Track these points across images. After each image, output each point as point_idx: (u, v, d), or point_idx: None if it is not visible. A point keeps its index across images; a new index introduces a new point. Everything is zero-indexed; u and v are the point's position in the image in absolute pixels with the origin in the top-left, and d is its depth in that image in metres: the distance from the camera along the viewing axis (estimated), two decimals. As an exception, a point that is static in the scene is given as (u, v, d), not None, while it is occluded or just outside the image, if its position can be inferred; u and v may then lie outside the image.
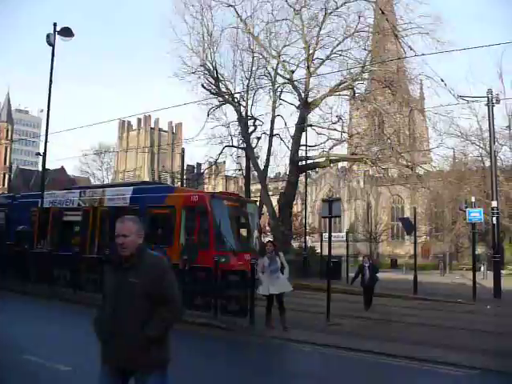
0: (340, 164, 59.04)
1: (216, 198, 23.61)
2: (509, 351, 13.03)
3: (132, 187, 27.22)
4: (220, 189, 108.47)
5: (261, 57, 42.43)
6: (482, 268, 47.17)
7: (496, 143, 38.91)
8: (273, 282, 15.00)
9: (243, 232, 25.47)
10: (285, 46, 40.97)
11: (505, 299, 26.50)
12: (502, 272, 36.13)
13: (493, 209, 29.61)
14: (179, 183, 53.49)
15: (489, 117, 30.82)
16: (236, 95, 43.13)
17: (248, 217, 25.15)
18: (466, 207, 29.97)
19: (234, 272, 18.07)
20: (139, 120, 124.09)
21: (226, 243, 22.44)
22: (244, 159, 45.96)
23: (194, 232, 22.47)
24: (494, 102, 30.42)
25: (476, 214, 28.39)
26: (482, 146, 55.41)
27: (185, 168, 56.57)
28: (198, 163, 67.92)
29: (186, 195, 24.32)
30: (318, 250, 42.28)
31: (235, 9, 41.34)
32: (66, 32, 26.36)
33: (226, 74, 44.56)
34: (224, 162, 55.30)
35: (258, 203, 34.87)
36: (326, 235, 27.95)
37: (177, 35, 42.17)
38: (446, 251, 70.74)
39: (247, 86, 42.94)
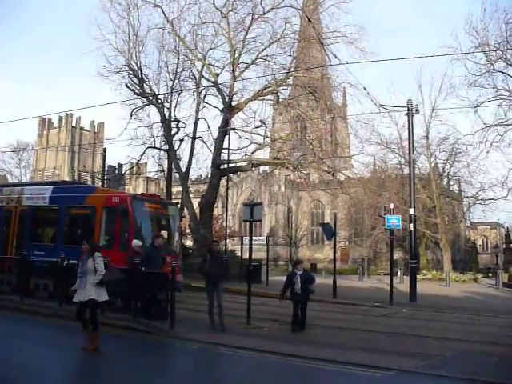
0: (262, 168, 59.32)
1: (137, 199, 23.30)
2: (422, 352, 13.36)
3: (52, 186, 26.47)
4: (141, 190, 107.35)
5: (186, 59, 42.20)
6: (399, 273, 48.21)
7: (414, 152, 39.90)
8: (80, 287, 12.88)
9: (164, 234, 25.27)
10: (211, 48, 40.90)
11: (420, 303, 27.22)
12: (418, 277, 37.00)
13: (410, 216, 30.30)
14: (100, 183, 52.63)
15: (408, 126, 31.54)
16: (160, 96, 42.79)
17: (169, 219, 24.93)
18: (385, 213, 30.55)
19: (155, 274, 17.92)
20: (60, 118, 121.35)
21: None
22: (166, 161, 45.64)
23: (115, 233, 22.15)
24: (414, 112, 31.14)
25: (394, 221, 28.94)
26: (401, 154, 56.83)
27: (106, 168, 55.75)
28: (119, 164, 67.03)
29: (107, 196, 23.89)
30: (239, 254, 42.34)
31: (162, 9, 41.03)
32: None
33: (151, 75, 44.15)
34: (146, 163, 54.77)
35: (179, 205, 34.66)
36: (246, 239, 28.00)
37: (102, 33, 41.31)
38: (364, 256, 72.12)
39: (171, 87, 42.66)
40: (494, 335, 16.91)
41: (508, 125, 49.80)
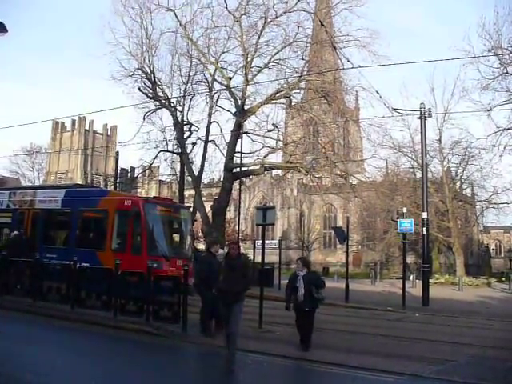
0: (274, 172, 59.20)
1: (150, 202, 23.45)
2: (435, 357, 13.33)
3: (65, 190, 26.67)
4: (153, 193, 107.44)
5: (199, 62, 42.22)
6: (412, 277, 48.04)
7: (427, 156, 39.79)
8: None
9: (176, 238, 25.33)
10: (223, 52, 40.84)
11: (433, 307, 27.15)
12: (430, 281, 36.89)
13: (423, 219, 30.25)
14: (112, 187, 52.75)
15: (421, 130, 31.51)
16: (173, 100, 42.79)
17: (181, 222, 25.01)
18: (398, 217, 30.49)
19: (167, 278, 17.97)
20: (73, 121, 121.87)
21: (159, 248, 22.32)
22: (179, 164, 45.67)
23: (127, 236, 22.21)
24: (426, 115, 31.12)
25: (407, 225, 28.89)
26: (413, 157, 56.70)
27: (119, 171, 55.88)
28: (131, 167, 67.20)
29: (120, 199, 24.05)
30: (251, 257, 42.36)
31: (175, 13, 41.04)
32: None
33: (164, 79, 44.18)
34: (158, 166, 54.82)
35: (191, 209, 34.71)
36: (258, 242, 28.00)
37: (115, 37, 41.40)
38: (377, 260, 71.87)
39: (184, 91, 42.67)
40: (507, 340, 16.89)
41: (521, 128, 49.61)
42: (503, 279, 59.07)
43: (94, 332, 16.15)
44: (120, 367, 11.82)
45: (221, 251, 17.36)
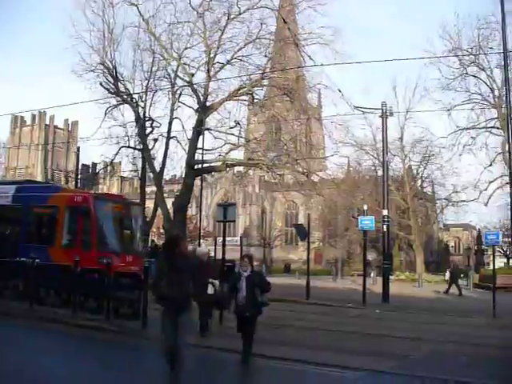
0: (236, 168, 59.10)
1: (100, 199, 23.48)
2: (394, 353, 13.48)
3: (15, 186, 26.36)
4: (115, 190, 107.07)
5: (161, 58, 41.84)
6: (373, 274, 48.44)
7: (388, 154, 40.15)
8: None
9: (127, 234, 25.33)
10: (186, 48, 40.52)
11: (393, 304, 27.40)
12: (391, 278, 37.26)
13: (383, 217, 30.49)
14: (73, 183, 52.25)
15: (382, 128, 31.80)
16: (135, 95, 42.40)
17: (132, 219, 24.99)
18: (358, 215, 30.72)
19: (127, 275, 17.87)
20: (33, 116, 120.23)
21: (109, 244, 22.29)
22: (140, 160, 45.34)
23: (77, 232, 22.15)
24: (388, 114, 31.40)
25: (367, 222, 29.10)
26: (375, 155, 57.24)
27: (80, 167, 55.41)
28: (93, 163, 66.56)
29: (70, 195, 23.98)
30: (212, 254, 42.26)
31: (138, 8, 40.57)
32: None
33: (126, 74, 43.72)
34: (120, 162, 54.34)
35: (142, 205, 34.65)
36: (220, 239, 27.99)
37: (76, 31, 40.85)
38: (338, 257, 72.37)
39: (146, 86, 42.29)
40: (465, 335, 17.04)
41: (480, 128, 50.56)
42: (462, 276, 59.93)
43: (52, 330, 15.96)
44: (79, 365, 11.68)
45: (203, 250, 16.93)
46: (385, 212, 30.50)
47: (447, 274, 41.17)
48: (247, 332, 11.94)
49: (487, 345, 15.35)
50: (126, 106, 43.05)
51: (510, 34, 41.80)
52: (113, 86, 42.16)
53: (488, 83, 49.78)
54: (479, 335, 17.53)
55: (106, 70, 41.71)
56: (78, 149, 54.94)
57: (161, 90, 42.33)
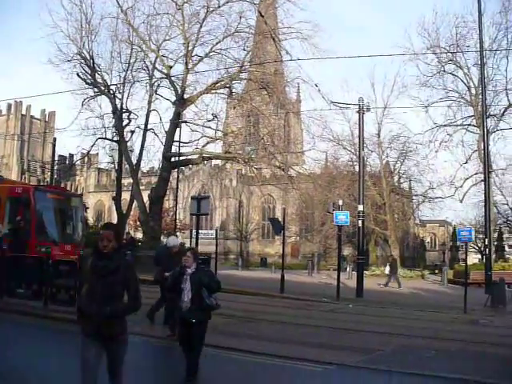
0: (213, 162, 59.24)
1: (40, 190, 24.65)
2: (364, 347, 13.60)
3: None
4: (92, 181, 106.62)
5: (140, 50, 41.80)
6: (348, 268, 48.58)
7: (365, 149, 40.36)
8: None
9: (66, 224, 25.74)
10: (164, 40, 40.56)
11: (367, 298, 27.56)
12: (366, 273, 37.46)
13: (359, 212, 30.60)
14: (49, 173, 51.96)
15: (359, 124, 31.89)
16: (112, 87, 42.39)
17: (72, 210, 25.70)
18: (334, 210, 30.79)
19: (65, 262, 18.04)
20: (9, 105, 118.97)
21: (48, 234, 22.87)
22: (117, 152, 45.22)
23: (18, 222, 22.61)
24: (365, 109, 31.47)
25: (342, 217, 29.16)
26: (352, 151, 57.41)
27: (56, 158, 55.04)
28: (70, 154, 66.36)
29: (11, 186, 25.23)
30: (188, 246, 42.23)
31: (116, -2, 40.52)
32: None
33: (103, 65, 43.66)
34: (97, 154, 54.28)
35: (83, 197, 35.18)
36: (195, 232, 28.02)
37: (53, 20, 40.70)
38: (314, 252, 72.57)
39: (124, 78, 42.27)
40: (434, 330, 17.24)
41: (457, 125, 50.95)
42: (436, 271, 60.49)
43: (22, 322, 15.89)
44: (48, 357, 11.63)
45: (174, 240, 16.48)
46: (360, 207, 30.61)
47: (387, 268, 41.50)
48: (193, 342, 9.86)
49: (455, 339, 15.54)
50: (103, 97, 43.05)
51: (486, 34, 42.49)
52: (90, 77, 42.02)
53: (465, 81, 50.22)
54: (449, 330, 17.73)
55: (83, 61, 41.60)
56: (55, 140, 54.45)
57: (138, 81, 42.39)
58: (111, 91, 42.38)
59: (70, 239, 23.92)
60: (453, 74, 50.74)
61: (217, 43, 38.78)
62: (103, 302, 6.43)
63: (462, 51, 47.99)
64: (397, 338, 15.52)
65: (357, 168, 43.82)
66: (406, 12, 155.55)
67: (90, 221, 67.59)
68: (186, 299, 9.69)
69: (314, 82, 35.68)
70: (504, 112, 48.70)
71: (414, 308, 24.61)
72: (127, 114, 43.31)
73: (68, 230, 25.52)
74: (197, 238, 19.02)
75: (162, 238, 41.55)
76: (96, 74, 42.14)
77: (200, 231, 25.35)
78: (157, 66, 41.54)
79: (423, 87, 51.23)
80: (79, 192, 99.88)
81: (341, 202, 32.40)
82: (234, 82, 40.70)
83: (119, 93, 42.92)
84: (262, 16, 34.56)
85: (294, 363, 11.57)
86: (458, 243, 72.61)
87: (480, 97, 40.71)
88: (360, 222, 30.63)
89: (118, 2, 40.55)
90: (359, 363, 11.73)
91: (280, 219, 35.43)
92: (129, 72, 42.27)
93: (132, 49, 41.78)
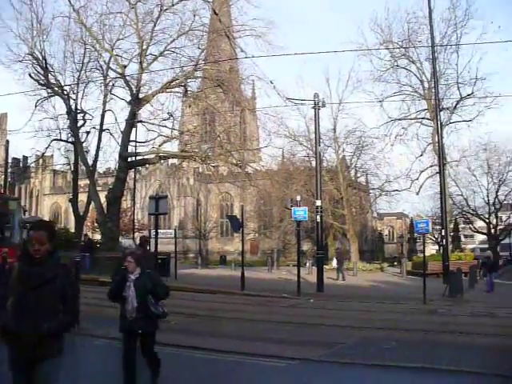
0: (170, 161, 58.95)
1: None
2: (326, 341, 13.69)
3: None
4: (48, 183, 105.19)
5: (93, 49, 41.33)
6: (308, 264, 48.78)
7: (322, 144, 40.56)
8: None
9: (3, 228, 25.71)
10: (118, 39, 40.12)
11: (327, 293, 27.78)
12: (326, 267, 37.68)
13: (317, 207, 30.75)
14: (3, 176, 51.17)
15: (315, 119, 32.08)
16: (66, 87, 41.88)
17: (8, 213, 25.41)
18: (292, 205, 30.89)
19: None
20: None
21: None
22: (73, 153, 44.69)
23: None
24: (321, 105, 31.68)
25: (301, 213, 29.33)
26: (309, 146, 57.66)
27: (10, 161, 54.22)
28: (24, 156, 65.36)
29: None
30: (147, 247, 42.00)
31: (68, -3, 39.97)
32: None
33: (56, 65, 43.14)
34: (52, 155, 53.56)
35: (20, 200, 34.80)
36: (154, 232, 27.92)
37: (2, 19, 40.07)
38: (273, 248, 72.78)
39: (78, 78, 41.84)
40: (395, 321, 17.42)
41: (411, 119, 51.67)
42: (395, 264, 61.23)
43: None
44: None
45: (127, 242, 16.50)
46: (318, 202, 30.76)
47: (334, 261, 42.03)
48: (145, 355, 9.02)
49: (416, 329, 15.78)
50: (57, 98, 42.52)
51: (437, 29, 43.17)
52: (43, 78, 41.48)
53: (418, 75, 50.91)
54: (409, 320, 17.99)
55: (35, 61, 41.04)
56: (8, 142, 53.67)
57: (93, 81, 41.99)
58: (65, 92, 41.89)
59: (7, 243, 23.60)
60: (406, 69, 51.44)
61: (171, 42, 38.59)
62: (37, 317, 5.34)
63: (414, 46, 48.69)
64: (358, 330, 15.66)
65: (313, 163, 44.05)
66: (358, 8, 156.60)
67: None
68: (131, 308, 8.52)
69: (270, 79, 35.92)
70: (456, 105, 49.59)
71: (374, 300, 24.85)
72: (82, 114, 42.89)
73: (6, 233, 25.16)
74: (156, 238, 18.93)
75: (120, 238, 41.33)
76: (49, 75, 41.58)
77: (159, 231, 25.33)
78: (111, 65, 41.17)
79: (377, 82, 51.86)
80: (35, 194, 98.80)
81: (299, 198, 32.53)
82: (189, 80, 40.57)
83: (73, 93, 42.50)
84: (216, 14, 34.49)
85: (258, 360, 11.58)
86: (416, 235, 74.07)
87: (433, 90, 41.45)
88: (318, 217, 30.74)
89: (69, 1, 39.98)
90: (322, 357, 11.80)
91: (238, 216, 35.41)
92: (83, 72, 41.88)
93: (85, 48, 41.37)
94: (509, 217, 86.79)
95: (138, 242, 16.95)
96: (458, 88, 48.67)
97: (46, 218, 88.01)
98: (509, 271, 52.69)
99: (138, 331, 8.62)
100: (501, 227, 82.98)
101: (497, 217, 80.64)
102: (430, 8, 33.14)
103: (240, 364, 11.45)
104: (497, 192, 75.52)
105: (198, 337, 14.23)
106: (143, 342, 8.90)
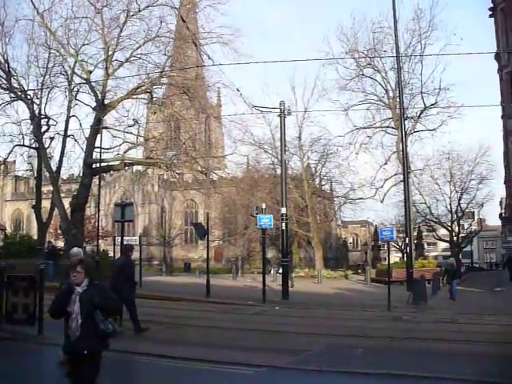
0: (135, 167, 58.54)
1: None
2: (292, 348, 13.72)
3: None
4: (9, 189, 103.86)
5: (58, 54, 40.77)
6: (273, 271, 48.85)
7: (287, 152, 40.75)
8: None
9: None
10: (84, 44, 39.66)
11: (292, 300, 27.85)
12: (291, 275, 37.77)
13: (282, 215, 30.84)
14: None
15: (281, 127, 32.16)
16: (29, 92, 41.37)
17: None
18: (257, 213, 30.93)
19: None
20: None
21: None
22: (36, 159, 44.18)
23: None
24: (286, 113, 31.82)
25: (266, 221, 29.36)
26: (274, 154, 57.86)
27: (-32, 167, 53.41)
28: (-15, 162, 64.45)
29: None
30: (111, 254, 41.68)
31: (32, 0, 39.54)
32: None
33: (20, 69, 42.67)
34: (14, 161, 52.84)
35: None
36: (119, 239, 27.72)
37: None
38: (238, 255, 72.80)
39: (42, 83, 41.28)
40: (360, 328, 17.55)
41: (376, 127, 52.15)
42: (359, 271, 61.61)
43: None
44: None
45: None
46: (283, 210, 30.85)
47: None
48: (84, 379, 7.38)
49: (381, 336, 15.91)
50: (20, 102, 41.96)
51: (401, 39, 43.74)
52: (5, 82, 40.92)
53: (383, 84, 51.47)
54: (374, 327, 18.11)
55: (-4, 65, 40.40)
56: (-32, 147, 52.89)
57: (57, 87, 41.45)
58: (28, 96, 41.37)
59: None
60: (371, 78, 51.94)
61: (137, 48, 38.33)
62: None
63: (380, 56, 49.20)
64: (324, 337, 15.75)
65: (278, 171, 44.29)
66: (325, 17, 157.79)
67: (8, 230, 66.00)
68: (75, 326, 7.29)
69: (236, 87, 35.80)
70: (420, 114, 50.19)
71: (339, 308, 25.01)
72: (46, 120, 42.36)
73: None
74: (121, 245, 18.78)
75: (84, 245, 40.91)
76: (12, 79, 41.01)
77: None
78: (76, 70, 40.71)
79: (343, 90, 52.22)
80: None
81: (264, 206, 32.55)
82: (154, 87, 40.38)
83: (37, 98, 41.96)
84: (184, 21, 34.43)
85: (225, 367, 11.60)
86: (380, 243, 74.47)
87: (397, 100, 41.89)
88: (283, 224, 30.83)
89: (33, 4, 39.45)
90: (289, 364, 11.84)
91: (203, 224, 35.40)
92: (47, 77, 41.28)
93: (50, 53, 40.78)
94: (470, 225, 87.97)
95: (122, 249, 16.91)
96: (422, 98, 49.31)
97: (7, 225, 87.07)
98: (471, 278, 53.36)
99: (84, 352, 7.21)
100: (463, 235, 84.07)
101: (459, 225, 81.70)
102: (395, 18, 33.53)
103: (208, 372, 11.44)
104: (459, 200, 76.64)
105: (165, 345, 14.17)
106: (86, 366, 7.30)
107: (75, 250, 14.90)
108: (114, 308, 7.82)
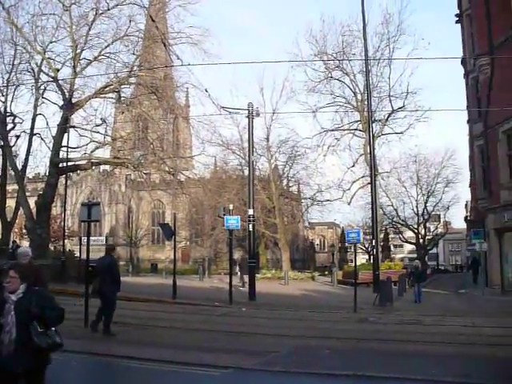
0: (102, 167, 58.09)
1: None
2: (259, 350, 13.76)
3: None
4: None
5: (24, 51, 40.21)
6: (239, 272, 48.83)
7: (255, 153, 40.78)
8: None
9: None
10: (51, 42, 39.20)
11: (259, 301, 27.90)
12: (258, 276, 37.81)
13: (249, 216, 30.84)
14: None
15: (249, 128, 32.16)
16: (-6, 89, 40.82)
17: None
18: (224, 214, 30.87)
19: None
20: None
21: None
22: (1, 157, 43.57)
23: None
24: (254, 114, 31.84)
25: (233, 222, 29.30)
26: (242, 155, 57.85)
27: None
28: None
29: None
30: (78, 254, 41.29)
31: (-3, -5, 38.94)
32: None
33: (-16, 66, 41.92)
34: (-22, 159, 52.10)
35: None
36: (85, 239, 27.49)
37: None
38: (205, 256, 72.60)
39: (7, 80, 40.69)
40: (327, 330, 17.63)
41: (344, 130, 52.45)
42: (326, 273, 61.80)
43: None
44: None
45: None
46: (250, 211, 30.86)
47: (237, 267, 42.67)
48: None
49: (348, 337, 16.01)
50: (-15, 100, 41.25)
51: (370, 43, 44.10)
52: (-31, 79, 40.28)
53: (351, 87, 51.81)
54: (341, 329, 18.20)
55: (-41, 62, 39.74)
56: None
57: (23, 84, 40.92)
58: (-7, 94, 40.84)
59: None
60: (340, 81, 52.24)
61: (106, 47, 38.10)
62: None
63: (349, 59, 49.62)
64: (291, 339, 15.79)
65: (246, 172, 44.25)
66: (293, 19, 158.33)
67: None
68: (7, 340, 6.15)
69: (204, 87, 35.98)
70: (388, 117, 50.68)
71: (306, 309, 25.08)
72: (12, 117, 41.79)
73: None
74: (88, 245, 18.60)
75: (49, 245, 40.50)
76: (-24, 76, 40.49)
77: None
78: (43, 68, 40.23)
79: (311, 92, 52.44)
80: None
81: (231, 207, 32.55)
82: (123, 86, 40.15)
83: (2, 95, 41.31)
84: (153, 20, 34.28)
85: (192, 369, 11.57)
86: (347, 244, 74.97)
87: (366, 103, 42.27)
88: (251, 225, 30.83)
89: (-1, -1, 38.97)
90: (256, 365, 11.88)
91: (170, 224, 35.22)
92: (13, 74, 40.62)
93: (16, 50, 40.17)
94: (436, 227, 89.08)
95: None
96: (390, 101, 49.78)
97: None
98: (436, 280, 53.97)
99: (17, 370, 6.13)
100: (429, 237, 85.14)
101: (425, 227, 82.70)
102: (364, 22, 33.90)
103: (176, 373, 11.42)
104: (425, 203, 77.64)
105: (133, 346, 14.08)
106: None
107: (23, 249, 13.53)
108: (56, 318, 6.45)
